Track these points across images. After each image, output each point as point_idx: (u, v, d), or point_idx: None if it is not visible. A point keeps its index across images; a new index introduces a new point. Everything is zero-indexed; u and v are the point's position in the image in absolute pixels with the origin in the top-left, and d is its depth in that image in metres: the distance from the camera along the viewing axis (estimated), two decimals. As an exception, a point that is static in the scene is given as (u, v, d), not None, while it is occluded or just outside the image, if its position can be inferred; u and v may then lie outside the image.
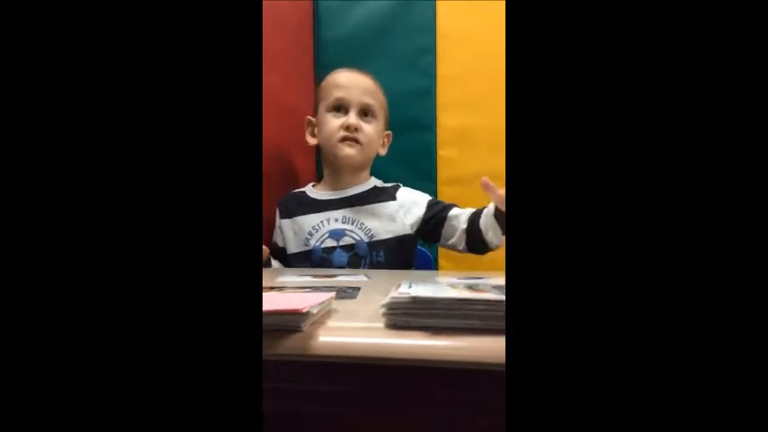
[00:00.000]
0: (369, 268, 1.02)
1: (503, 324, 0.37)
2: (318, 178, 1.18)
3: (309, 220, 1.06)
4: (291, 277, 0.81)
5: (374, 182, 1.11)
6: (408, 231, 1.04)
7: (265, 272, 0.93)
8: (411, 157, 1.28)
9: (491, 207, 0.91)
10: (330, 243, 1.03)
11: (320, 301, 0.48)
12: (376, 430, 0.48)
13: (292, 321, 0.45)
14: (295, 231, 1.07)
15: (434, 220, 1.03)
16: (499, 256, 0.76)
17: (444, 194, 1.26)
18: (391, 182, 1.12)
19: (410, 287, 0.51)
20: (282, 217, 1.10)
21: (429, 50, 1.29)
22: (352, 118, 1.05)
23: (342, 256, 1.03)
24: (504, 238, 0.92)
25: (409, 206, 1.06)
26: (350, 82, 1.08)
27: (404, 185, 1.11)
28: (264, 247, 0.98)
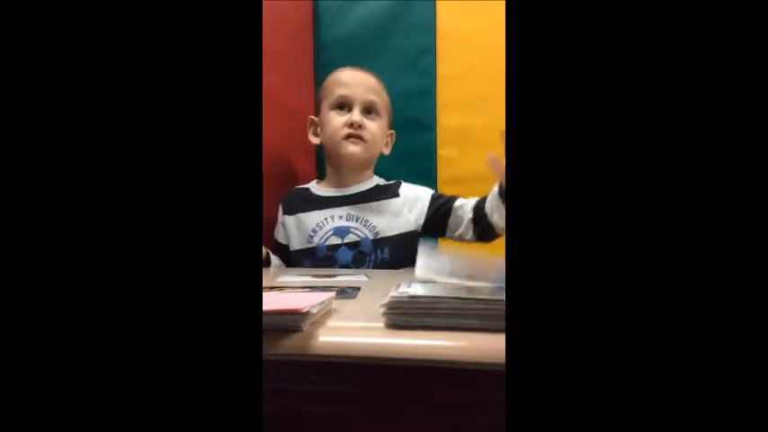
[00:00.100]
0: (374, 266, 1.01)
1: (503, 324, 0.37)
2: (319, 178, 1.18)
3: (313, 217, 1.05)
4: (291, 277, 0.81)
5: (377, 180, 1.10)
6: (413, 228, 1.04)
7: (265, 272, 0.93)
8: (411, 156, 1.28)
9: (495, 188, 0.90)
10: (334, 240, 1.03)
11: (320, 300, 0.49)
12: (376, 430, 0.48)
13: (292, 321, 0.45)
14: (298, 228, 1.06)
15: (440, 213, 1.03)
16: (499, 254, 0.76)
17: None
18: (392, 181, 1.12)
19: (410, 287, 0.51)
20: (285, 213, 1.09)
21: (429, 50, 1.29)
22: (356, 115, 1.04)
23: (346, 254, 1.02)
24: None
25: (413, 202, 1.06)
26: (353, 80, 1.07)
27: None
28: (264, 248, 0.98)
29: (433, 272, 0.51)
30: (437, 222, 1.03)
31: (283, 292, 0.62)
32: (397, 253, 1.02)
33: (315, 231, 1.04)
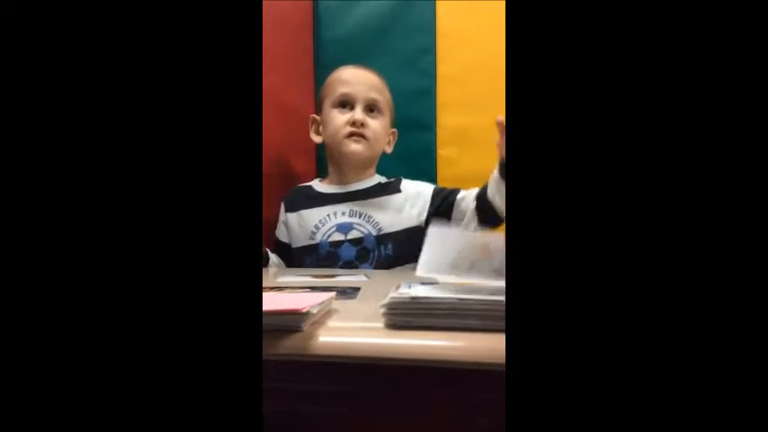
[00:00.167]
0: (377, 262, 1.01)
1: (502, 324, 0.37)
2: (320, 177, 1.17)
3: (315, 214, 1.05)
4: (291, 277, 0.81)
5: (378, 178, 1.10)
6: (416, 223, 1.03)
7: (265, 272, 0.93)
8: (411, 156, 1.28)
9: (495, 172, 0.88)
10: (337, 237, 1.02)
11: (320, 301, 0.49)
12: (376, 430, 0.48)
13: (292, 321, 0.45)
14: (300, 225, 1.06)
15: (443, 208, 1.02)
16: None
17: (444, 194, 1.26)
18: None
19: (410, 288, 0.51)
20: (287, 211, 1.09)
21: (429, 50, 1.29)
22: (358, 113, 1.03)
23: (350, 250, 1.02)
24: None
25: (415, 197, 1.05)
26: (355, 78, 1.07)
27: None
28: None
29: (435, 266, 0.51)
30: (440, 216, 1.02)
31: (283, 293, 0.62)
32: (400, 249, 1.01)
33: (317, 228, 1.04)
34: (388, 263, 1.01)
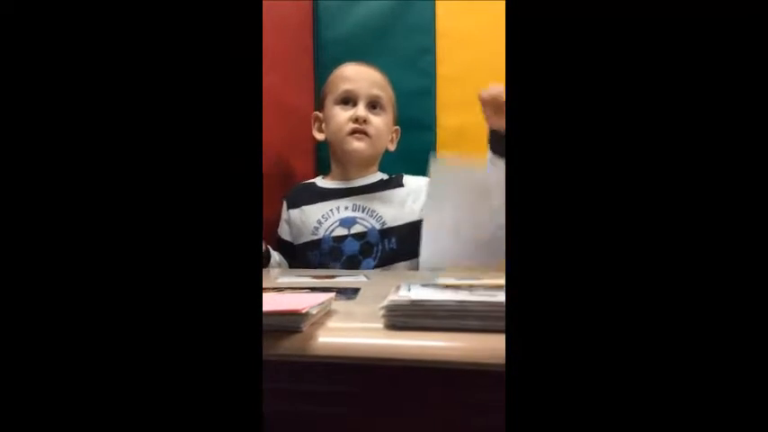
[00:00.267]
0: (381, 256, 1.01)
1: (502, 324, 0.37)
2: (322, 174, 1.17)
3: (318, 209, 1.05)
4: (291, 278, 0.81)
5: (381, 175, 1.10)
6: (418, 217, 1.02)
7: (265, 273, 0.93)
8: (411, 156, 1.28)
9: (488, 153, 0.88)
10: (341, 232, 1.02)
11: (320, 301, 0.49)
12: (376, 430, 0.48)
13: (292, 322, 0.45)
14: (302, 221, 1.06)
15: None
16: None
17: (444, 194, 1.25)
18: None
19: (409, 290, 0.51)
20: (290, 208, 1.09)
21: (429, 50, 1.29)
22: (360, 110, 1.03)
23: (353, 245, 1.01)
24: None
25: (417, 192, 1.05)
26: (358, 74, 1.06)
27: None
28: (263, 243, 0.97)
29: (437, 256, 0.51)
30: None
31: (283, 293, 0.62)
32: (404, 243, 1.01)
33: (320, 223, 1.04)
34: (391, 257, 1.01)
